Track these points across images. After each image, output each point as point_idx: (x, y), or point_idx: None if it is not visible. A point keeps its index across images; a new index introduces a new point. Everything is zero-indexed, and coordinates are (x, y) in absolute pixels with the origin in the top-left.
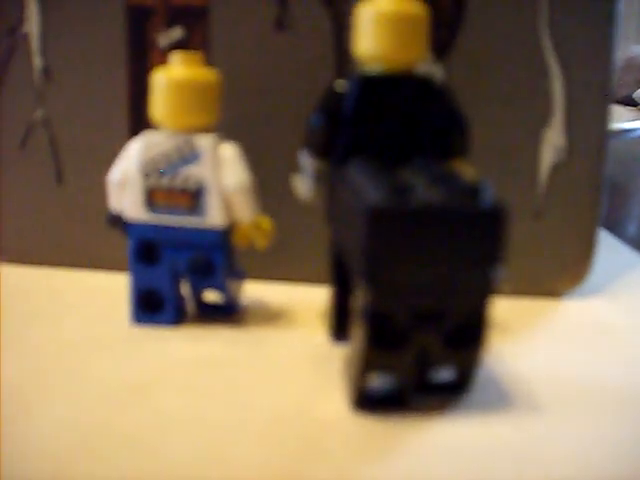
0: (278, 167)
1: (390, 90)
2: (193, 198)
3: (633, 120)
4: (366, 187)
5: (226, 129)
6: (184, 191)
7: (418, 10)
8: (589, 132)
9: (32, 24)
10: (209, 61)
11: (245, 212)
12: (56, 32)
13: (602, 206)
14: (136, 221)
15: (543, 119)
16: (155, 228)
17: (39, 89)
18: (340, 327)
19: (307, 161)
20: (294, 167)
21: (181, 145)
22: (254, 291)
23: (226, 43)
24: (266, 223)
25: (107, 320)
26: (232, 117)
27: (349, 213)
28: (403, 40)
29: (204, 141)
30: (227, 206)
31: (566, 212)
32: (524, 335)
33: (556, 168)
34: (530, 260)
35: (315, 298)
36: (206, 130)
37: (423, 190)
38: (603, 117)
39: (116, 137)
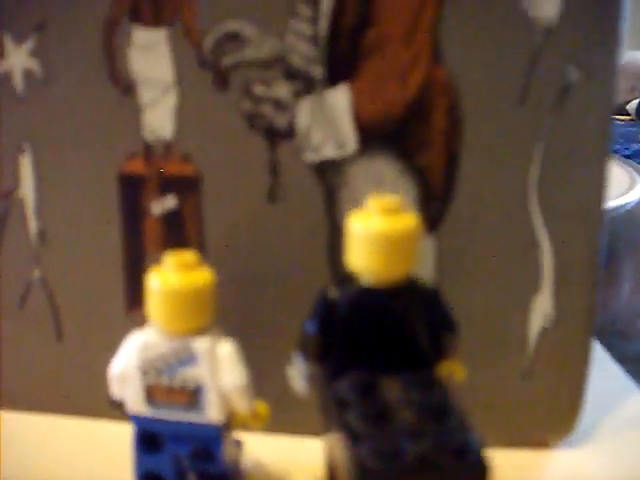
0: (273, 341)
1: (383, 301)
2: (192, 396)
3: (625, 189)
4: (354, 439)
5: (220, 304)
6: (183, 389)
7: (408, 225)
8: (577, 297)
9: (27, 189)
10: (200, 230)
11: (243, 406)
12: (50, 197)
13: (590, 364)
14: (137, 414)
15: (532, 288)
16: (156, 421)
17: (35, 251)
18: None
19: (301, 364)
20: (289, 347)
21: (178, 349)
22: (256, 447)
23: (218, 212)
24: (262, 409)
25: None
26: (223, 289)
27: (338, 456)
28: (395, 258)
29: (201, 344)
30: (225, 402)
31: (555, 372)
32: None
33: (545, 332)
34: (518, 416)
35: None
36: (203, 330)
37: (411, 442)
38: (591, 286)
39: (112, 297)
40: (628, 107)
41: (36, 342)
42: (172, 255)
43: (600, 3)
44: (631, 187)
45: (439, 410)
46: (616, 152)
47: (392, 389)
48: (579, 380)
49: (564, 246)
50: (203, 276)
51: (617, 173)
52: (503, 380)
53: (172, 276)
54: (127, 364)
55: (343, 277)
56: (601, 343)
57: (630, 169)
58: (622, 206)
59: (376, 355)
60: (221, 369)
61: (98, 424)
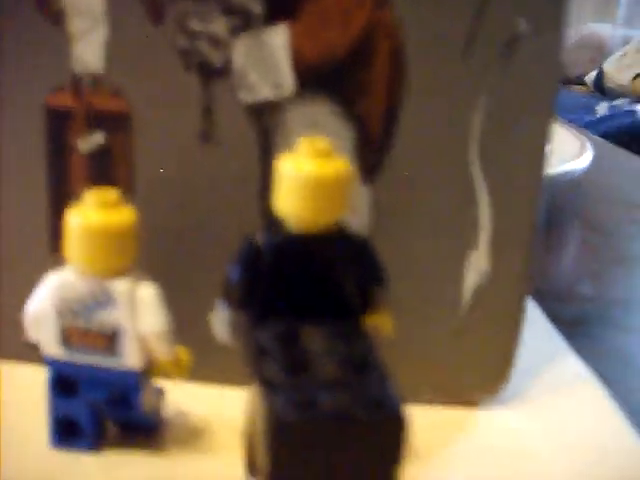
0: (198, 286)
1: (309, 248)
2: (109, 340)
3: (575, 155)
4: (272, 389)
5: (144, 246)
6: (100, 333)
7: (339, 169)
8: (513, 257)
9: None
10: (129, 170)
11: (163, 352)
12: None
13: (523, 325)
14: (52, 357)
15: (468, 244)
16: (72, 365)
17: None
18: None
19: (224, 311)
20: (213, 293)
21: (96, 290)
22: (178, 396)
23: (148, 151)
24: (184, 355)
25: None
26: (151, 231)
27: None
28: (323, 203)
29: (119, 286)
30: (144, 348)
31: (486, 331)
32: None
33: (479, 290)
34: (449, 373)
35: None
36: (122, 271)
37: (329, 394)
38: (528, 246)
39: (36, 236)
40: (586, 78)
41: None
42: (93, 192)
43: None
44: (581, 154)
45: (361, 362)
46: (572, 122)
47: (315, 339)
48: (510, 340)
49: (503, 204)
50: (124, 215)
51: (568, 139)
52: (434, 336)
53: (92, 214)
54: (42, 305)
55: (270, 222)
56: (539, 306)
57: (582, 137)
58: (570, 172)
59: (301, 303)
60: (140, 313)
61: (13, 366)
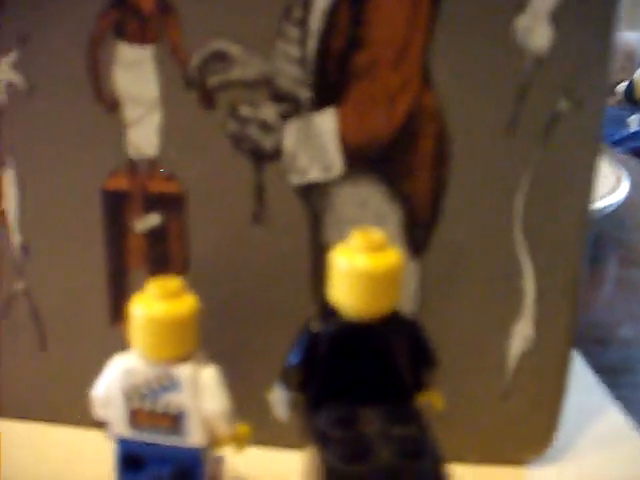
0: (254, 360)
1: (364, 335)
2: (174, 421)
3: (611, 188)
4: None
5: (201, 324)
6: (166, 414)
7: (391, 262)
8: (557, 322)
9: (9, 202)
10: (184, 248)
11: (224, 429)
12: (33, 211)
13: (568, 387)
14: (120, 435)
15: (513, 313)
16: (138, 443)
17: (18, 263)
18: None
19: (283, 392)
20: (270, 369)
21: (161, 375)
22: (237, 461)
23: (202, 231)
24: (244, 431)
25: None
26: (204, 308)
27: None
28: (378, 295)
29: (183, 371)
30: (207, 426)
31: (532, 393)
32: None
33: (524, 355)
34: (496, 436)
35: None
36: (186, 356)
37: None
38: (571, 310)
39: (96, 309)
40: (617, 89)
41: (20, 351)
42: (156, 282)
43: (591, 34)
44: (617, 186)
45: (415, 447)
46: (604, 138)
47: (371, 421)
48: (556, 401)
49: (546, 273)
50: (186, 304)
51: (603, 172)
52: (481, 400)
53: (155, 304)
54: (110, 388)
55: (326, 309)
56: (580, 350)
57: (617, 167)
58: (608, 206)
59: (357, 386)
60: (203, 395)
61: (82, 433)
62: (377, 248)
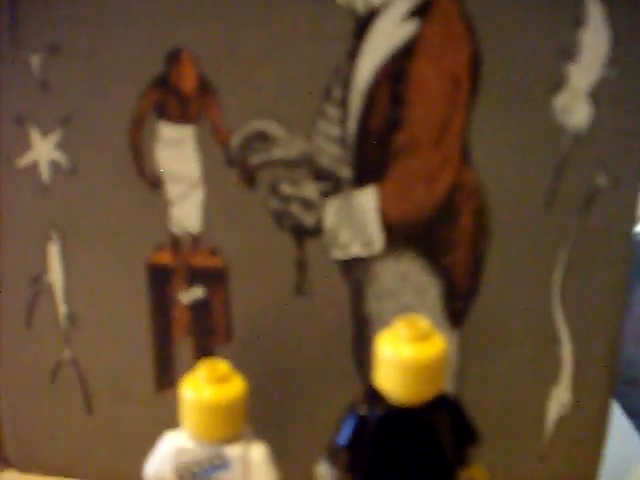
0: (299, 431)
1: (410, 419)
2: None
3: None
4: None
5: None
6: None
7: (436, 351)
8: (595, 387)
9: (55, 275)
10: (227, 320)
11: None
12: (79, 283)
13: (605, 446)
14: None
15: (551, 380)
16: None
17: (65, 332)
18: None
19: (329, 471)
20: (314, 440)
21: (212, 455)
22: None
23: (245, 303)
24: None
25: None
26: (247, 377)
27: None
28: (422, 383)
29: (233, 450)
30: None
31: (571, 454)
32: None
33: (562, 419)
34: None
35: None
36: (236, 436)
37: None
38: (609, 375)
39: (141, 376)
40: None
41: (67, 415)
42: (205, 366)
43: (629, 111)
44: None
45: None
46: None
47: None
48: (593, 461)
49: (584, 341)
50: (235, 387)
51: None
52: (521, 462)
53: (206, 388)
54: (162, 467)
55: (372, 392)
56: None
57: None
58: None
59: (402, 467)
60: (253, 473)
61: None
62: (422, 337)
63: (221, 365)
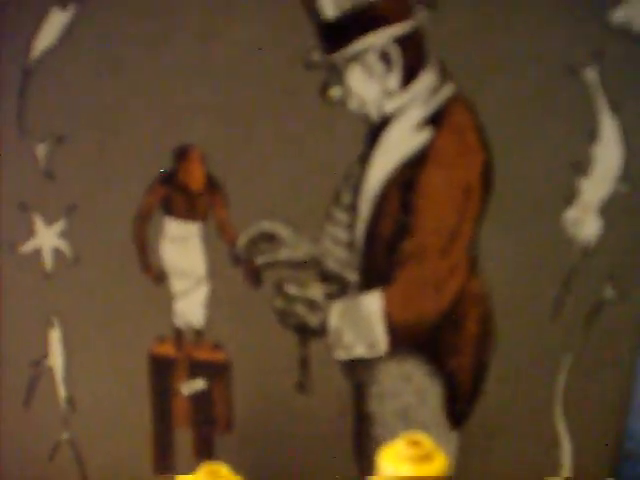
0: None
1: None
2: None
3: None
4: None
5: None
6: None
7: (438, 470)
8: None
9: (56, 359)
10: (228, 411)
11: None
12: (80, 368)
13: None
14: None
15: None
16: None
17: (64, 414)
18: None
19: None
20: None
21: None
22: None
23: (247, 396)
24: None
25: None
26: (248, 471)
27: None
28: None
29: None
30: None
31: None
32: None
33: None
34: None
35: None
36: None
37: None
38: (609, 474)
39: (139, 460)
40: None
41: None
42: (205, 467)
43: (638, 225)
44: None
45: None
46: None
47: None
48: None
49: (585, 445)
50: None
51: None
52: None
53: None
54: None
55: None
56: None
57: None
58: None
59: None
60: None
61: None
62: (425, 458)
63: (221, 468)
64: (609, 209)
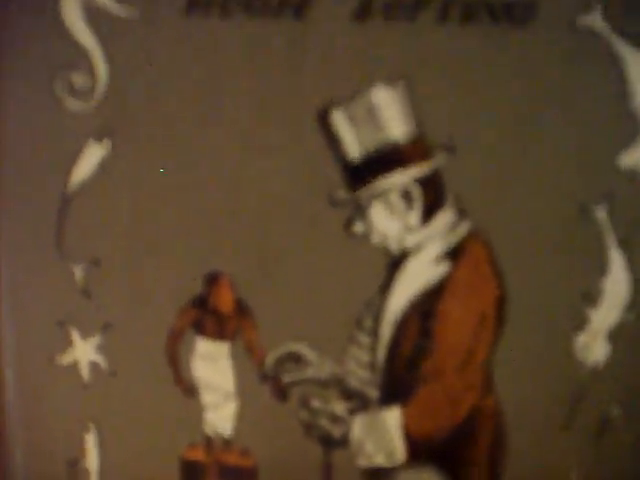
0: None
1: None
2: None
3: None
4: None
5: None
6: None
7: None
8: None
9: (91, 460)
10: None
11: None
12: (114, 469)
13: None
14: None
15: None
16: None
17: None
18: None
19: None
20: None
21: None
22: None
23: None
24: None
25: None
26: None
27: None
28: None
29: None
30: None
31: None
32: None
33: None
34: None
35: None
36: None
37: None
38: None
39: None
40: None
41: None
42: None
43: None
44: None
45: None
46: None
47: None
48: None
49: None
50: None
51: None
52: None
53: None
54: None
55: None
56: None
57: None
58: None
59: None
60: None
61: None
62: None
63: None
64: (617, 335)
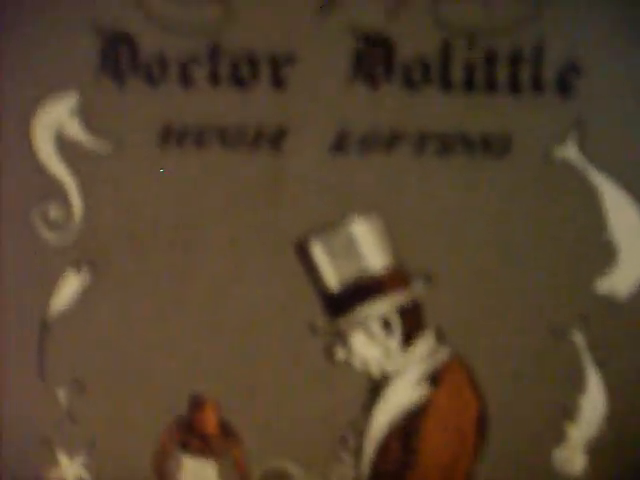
0: None
1: None
2: None
3: None
4: None
5: None
6: None
7: None
8: None
9: None
10: None
11: None
12: None
13: None
14: None
15: None
16: None
17: None
18: None
19: None
20: None
21: None
22: None
23: None
24: None
25: None
26: None
27: None
28: None
29: None
30: None
31: None
32: None
33: None
34: None
35: None
36: None
37: None
38: None
39: None
40: None
41: None
42: None
43: (622, 464)
44: None
45: None
46: None
47: None
48: None
49: None
50: None
51: None
52: None
53: None
54: None
55: None
56: None
57: None
58: None
59: None
60: None
61: None
62: None
63: None
64: (594, 447)
